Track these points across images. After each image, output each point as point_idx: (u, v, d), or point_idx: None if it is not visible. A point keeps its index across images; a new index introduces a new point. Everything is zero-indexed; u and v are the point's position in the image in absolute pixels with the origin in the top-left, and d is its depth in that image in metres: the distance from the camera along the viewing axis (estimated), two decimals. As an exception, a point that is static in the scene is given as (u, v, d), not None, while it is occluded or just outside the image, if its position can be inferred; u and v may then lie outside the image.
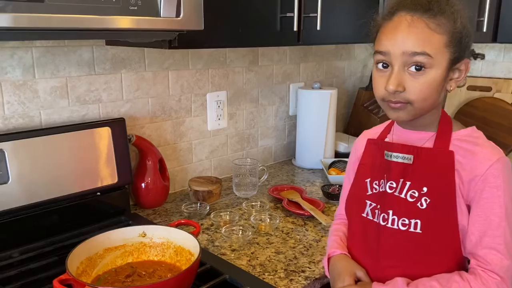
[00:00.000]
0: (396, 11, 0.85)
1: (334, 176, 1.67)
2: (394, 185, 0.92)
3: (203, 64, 1.60)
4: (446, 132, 0.91)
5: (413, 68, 0.83)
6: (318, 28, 1.36)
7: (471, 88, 2.08)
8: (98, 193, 1.29)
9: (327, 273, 1.03)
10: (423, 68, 0.83)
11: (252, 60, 1.75)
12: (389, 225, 0.92)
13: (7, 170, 1.11)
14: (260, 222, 1.33)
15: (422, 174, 0.89)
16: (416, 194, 0.89)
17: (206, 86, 1.62)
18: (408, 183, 0.90)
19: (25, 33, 0.87)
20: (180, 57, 1.53)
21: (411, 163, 0.90)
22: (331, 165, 1.76)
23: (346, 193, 1.08)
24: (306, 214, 1.38)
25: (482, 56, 0.96)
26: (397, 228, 0.91)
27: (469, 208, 0.88)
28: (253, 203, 1.46)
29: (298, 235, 1.28)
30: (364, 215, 0.97)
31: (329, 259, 1.02)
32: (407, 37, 0.83)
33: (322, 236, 1.27)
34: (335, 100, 1.85)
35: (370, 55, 2.39)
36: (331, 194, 1.52)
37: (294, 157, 1.95)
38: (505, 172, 0.86)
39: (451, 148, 0.89)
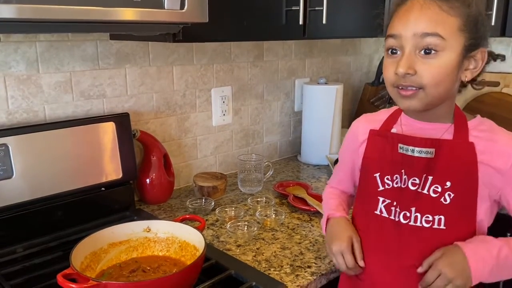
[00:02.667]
0: None
1: (340, 172, 1.65)
2: (418, 181, 0.89)
3: (207, 59, 1.58)
4: (463, 123, 0.89)
5: (424, 51, 0.81)
6: (324, 21, 1.34)
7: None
8: (103, 189, 1.28)
9: (324, 232, 1.03)
10: (433, 51, 0.81)
11: (257, 55, 1.74)
12: (411, 222, 0.89)
13: (11, 165, 1.11)
14: (265, 217, 1.32)
15: (445, 168, 0.87)
16: (439, 189, 0.87)
17: (210, 81, 1.61)
18: (430, 177, 0.88)
19: (28, 26, 0.86)
20: (185, 52, 1.51)
21: (433, 157, 0.87)
22: (337, 161, 1.74)
23: (340, 172, 1.10)
24: (312, 209, 1.37)
25: (503, 57, 0.94)
26: (421, 225, 0.89)
27: (491, 199, 0.88)
28: (258, 199, 1.45)
29: (304, 230, 1.27)
30: (378, 212, 0.94)
31: (328, 220, 1.01)
32: (419, 19, 0.81)
33: (328, 232, 1.26)
34: (341, 96, 1.83)
35: (376, 51, 2.38)
36: (337, 189, 1.50)
37: (300, 153, 1.94)
38: None
39: (470, 139, 0.87)
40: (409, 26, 0.82)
